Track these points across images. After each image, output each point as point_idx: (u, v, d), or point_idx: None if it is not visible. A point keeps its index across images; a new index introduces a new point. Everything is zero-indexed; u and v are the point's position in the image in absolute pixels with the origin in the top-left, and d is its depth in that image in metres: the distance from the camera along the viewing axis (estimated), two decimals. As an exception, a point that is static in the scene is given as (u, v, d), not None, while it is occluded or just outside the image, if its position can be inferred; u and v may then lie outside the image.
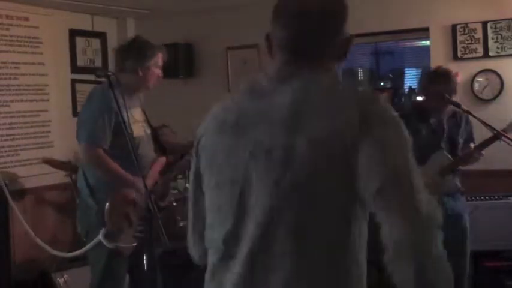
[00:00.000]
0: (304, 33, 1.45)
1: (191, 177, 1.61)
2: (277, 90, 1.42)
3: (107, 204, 3.13)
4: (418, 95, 3.56)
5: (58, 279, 4.54)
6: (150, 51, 3.33)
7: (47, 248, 3.84)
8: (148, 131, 3.43)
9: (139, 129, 3.32)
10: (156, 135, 3.48)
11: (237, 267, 1.42)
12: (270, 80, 1.46)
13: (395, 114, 1.38)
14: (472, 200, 4.32)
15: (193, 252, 1.66)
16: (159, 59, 3.37)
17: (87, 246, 3.22)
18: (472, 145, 3.72)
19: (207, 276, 1.53)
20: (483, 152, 3.66)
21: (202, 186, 1.54)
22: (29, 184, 4.93)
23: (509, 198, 4.38)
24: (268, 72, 1.48)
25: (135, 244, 3.27)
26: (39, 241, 3.89)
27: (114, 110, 3.07)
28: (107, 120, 3.14)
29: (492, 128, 3.60)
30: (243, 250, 1.41)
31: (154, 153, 3.44)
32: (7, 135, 4.89)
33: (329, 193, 1.35)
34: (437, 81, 3.64)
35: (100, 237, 3.12)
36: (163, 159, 3.41)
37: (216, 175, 1.48)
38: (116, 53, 3.41)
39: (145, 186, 2.86)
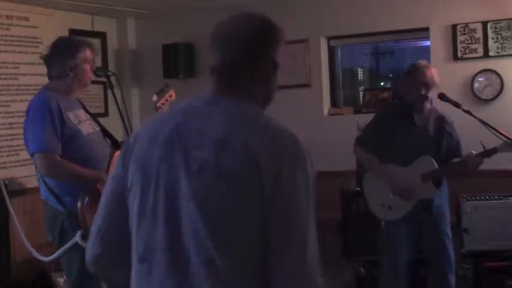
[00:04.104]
0: (228, 58, 1.50)
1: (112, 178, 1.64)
2: (211, 112, 1.48)
3: (79, 204, 3.07)
4: (399, 93, 3.67)
5: (58, 279, 4.54)
6: (74, 48, 3.24)
7: (32, 250, 3.82)
8: (97, 128, 3.39)
9: (87, 127, 3.28)
10: (106, 131, 3.45)
11: None
12: (204, 101, 1.52)
13: (306, 155, 1.42)
14: (472, 200, 4.32)
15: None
16: (86, 54, 3.28)
17: (62, 249, 3.15)
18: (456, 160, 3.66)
19: None
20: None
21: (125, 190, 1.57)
22: (29, 184, 4.91)
23: (509, 198, 4.37)
24: (203, 94, 1.54)
25: None
26: (26, 243, 3.86)
27: (57, 112, 3.09)
28: (52, 124, 3.10)
29: (490, 126, 3.60)
30: None
31: (109, 149, 3.39)
32: (7, 135, 4.89)
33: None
34: (412, 73, 3.66)
35: (77, 239, 3.05)
36: (118, 154, 3.36)
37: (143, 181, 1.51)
38: (45, 62, 3.35)
39: None
